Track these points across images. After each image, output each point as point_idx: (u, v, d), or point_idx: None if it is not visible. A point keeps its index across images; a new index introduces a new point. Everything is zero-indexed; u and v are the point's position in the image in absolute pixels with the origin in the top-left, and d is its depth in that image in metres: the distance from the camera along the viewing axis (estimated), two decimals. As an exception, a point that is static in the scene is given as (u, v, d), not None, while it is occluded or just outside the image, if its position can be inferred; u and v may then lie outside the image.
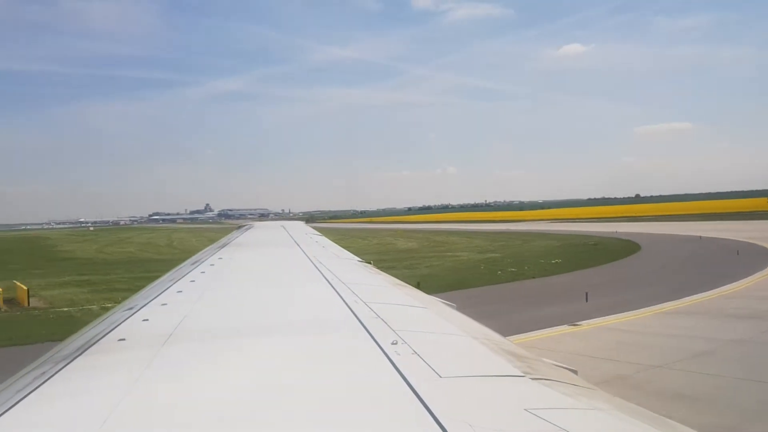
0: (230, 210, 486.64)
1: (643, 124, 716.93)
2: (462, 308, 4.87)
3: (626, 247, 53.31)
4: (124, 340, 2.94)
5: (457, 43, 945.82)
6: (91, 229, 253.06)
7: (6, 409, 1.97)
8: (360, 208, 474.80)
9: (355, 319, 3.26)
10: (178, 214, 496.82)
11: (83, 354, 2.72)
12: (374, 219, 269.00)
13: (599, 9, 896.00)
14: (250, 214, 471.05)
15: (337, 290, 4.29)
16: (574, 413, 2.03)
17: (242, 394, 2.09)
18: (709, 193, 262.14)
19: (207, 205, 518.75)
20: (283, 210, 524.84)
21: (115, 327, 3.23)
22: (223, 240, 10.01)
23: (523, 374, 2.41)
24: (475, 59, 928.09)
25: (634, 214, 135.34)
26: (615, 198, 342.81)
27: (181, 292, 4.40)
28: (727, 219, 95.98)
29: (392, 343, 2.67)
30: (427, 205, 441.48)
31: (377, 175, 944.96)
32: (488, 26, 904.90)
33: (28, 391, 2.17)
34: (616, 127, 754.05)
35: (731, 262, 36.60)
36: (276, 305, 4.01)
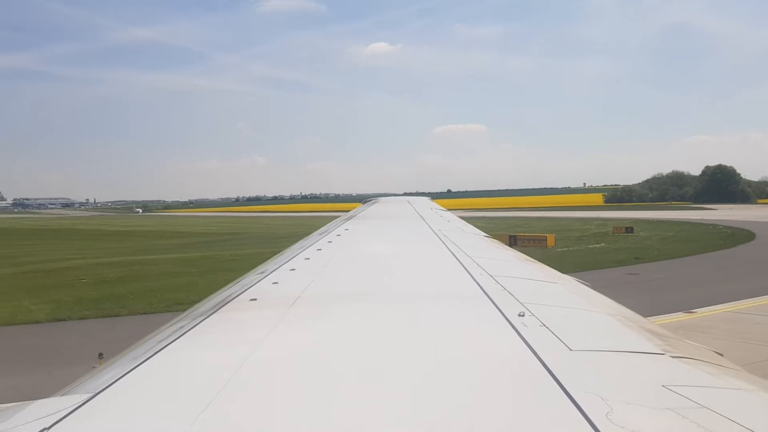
0: (27, 199, 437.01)
1: (443, 124, 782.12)
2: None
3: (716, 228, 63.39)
4: (255, 300, 3.13)
5: (269, 33, 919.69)
6: None
7: (147, 357, 2.15)
8: (170, 198, 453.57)
9: (479, 289, 3.23)
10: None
11: (218, 311, 2.91)
12: (225, 209, 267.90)
13: (405, 11, 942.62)
14: (51, 204, 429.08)
15: (462, 262, 4.29)
16: (716, 392, 1.89)
17: (366, 355, 2.16)
18: (526, 189, 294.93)
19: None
20: (87, 199, 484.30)
21: (247, 288, 3.44)
22: (350, 213, 10.40)
23: (662, 352, 2.27)
24: (288, 51, 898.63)
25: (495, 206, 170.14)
26: (430, 192, 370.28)
27: (308, 259, 4.61)
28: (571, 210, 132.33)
29: (519, 315, 2.61)
30: (244, 196, 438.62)
31: (185, 165, 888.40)
32: (300, 19, 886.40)
33: (168, 342, 2.36)
34: (419, 125, 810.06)
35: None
36: (399, 274, 4.12)
